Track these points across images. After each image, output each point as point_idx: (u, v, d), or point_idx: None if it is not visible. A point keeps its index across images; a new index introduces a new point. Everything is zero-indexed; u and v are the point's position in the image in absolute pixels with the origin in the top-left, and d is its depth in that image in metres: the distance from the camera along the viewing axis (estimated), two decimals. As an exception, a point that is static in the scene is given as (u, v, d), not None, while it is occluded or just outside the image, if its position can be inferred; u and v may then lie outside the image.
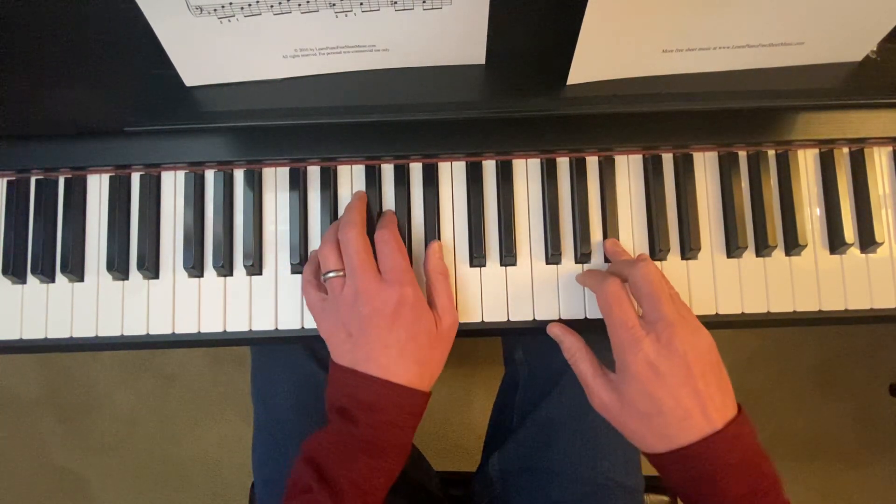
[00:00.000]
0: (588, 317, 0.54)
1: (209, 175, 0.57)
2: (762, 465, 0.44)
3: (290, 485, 0.47)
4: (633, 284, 0.47)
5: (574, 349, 0.50)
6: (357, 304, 0.47)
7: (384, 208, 0.56)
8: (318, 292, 0.51)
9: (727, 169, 0.56)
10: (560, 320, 0.55)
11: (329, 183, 0.56)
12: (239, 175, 0.57)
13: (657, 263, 0.55)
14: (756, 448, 0.44)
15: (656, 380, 0.43)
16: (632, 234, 0.56)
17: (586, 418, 0.63)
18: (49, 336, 0.55)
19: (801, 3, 0.48)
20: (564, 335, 0.51)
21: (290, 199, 0.56)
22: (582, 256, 0.55)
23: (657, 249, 0.55)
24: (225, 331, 0.55)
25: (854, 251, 0.56)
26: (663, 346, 0.43)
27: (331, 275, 0.49)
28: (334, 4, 0.48)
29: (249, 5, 0.47)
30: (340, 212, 0.56)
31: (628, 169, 0.56)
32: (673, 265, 0.55)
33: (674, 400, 0.43)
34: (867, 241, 0.55)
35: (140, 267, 0.55)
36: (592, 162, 0.56)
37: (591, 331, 0.53)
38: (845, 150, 0.57)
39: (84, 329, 0.55)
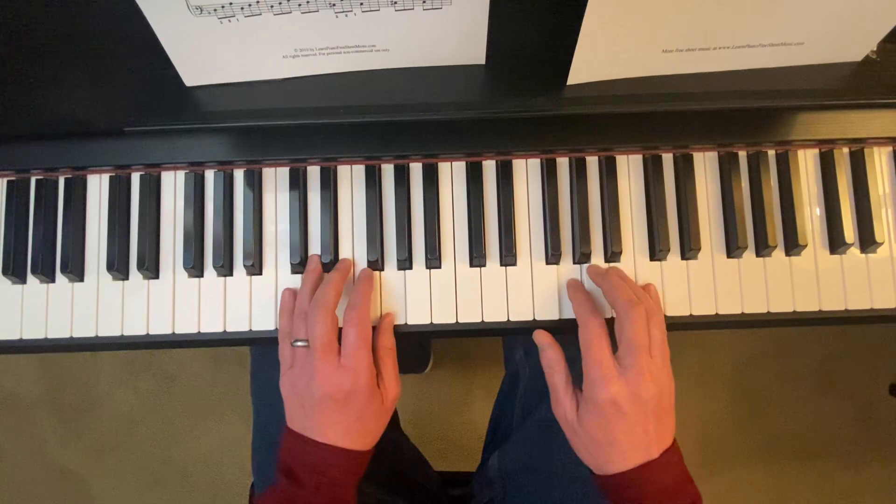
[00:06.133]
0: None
1: (209, 175, 0.57)
2: (687, 487, 0.49)
3: None
4: (620, 325, 0.49)
5: (553, 362, 0.52)
6: (311, 384, 0.49)
7: (384, 208, 0.56)
8: (290, 349, 0.52)
9: (727, 169, 0.56)
10: (560, 320, 0.55)
11: (329, 183, 0.56)
12: (239, 175, 0.57)
13: (657, 263, 0.55)
14: (683, 472, 0.49)
15: (617, 417, 0.47)
16: (632, 234, 0.56)
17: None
18: (49, 336, 0.55)
19: (801, 3, 0.48)
20: (548, 347, 0.52)
21: (290, 199, 0.56)
22: (582, 256, 0.55)
23: (657, 249, 0.55)
24: (225, 331, 0.55)
25: (854, 251, 0.56)
26: (632, 392, 0.47)
27: (299, 343, 0.51)
28: (334, 4, 0.48)
29: (249, 5, 0.47)
30: (341, 212, 0.56)
31: (628, 169, 0.56)
32: (673, 265, 0.55)
33: (626, 436, 0.47)
34: (867, 241, 0.55)
35: (140, 267, 0.55)
36: (592, 162, 0.56)
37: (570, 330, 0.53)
38: (845, 150, 0.57)
39: (84, 329, 0.55)
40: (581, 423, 0.49)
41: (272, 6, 0.48)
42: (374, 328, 0.53)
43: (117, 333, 0.55)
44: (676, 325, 0.54)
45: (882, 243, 0.55)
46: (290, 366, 0.51)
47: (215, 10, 0.47)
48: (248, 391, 0.69)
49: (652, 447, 0.48)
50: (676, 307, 0.55)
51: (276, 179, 0.57)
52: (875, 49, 0.55)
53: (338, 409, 0.49)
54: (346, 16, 0.49)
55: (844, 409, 1.35)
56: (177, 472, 1.37)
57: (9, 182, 0.57)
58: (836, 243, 0.55)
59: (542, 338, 0.53)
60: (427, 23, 0.50)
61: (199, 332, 0.55)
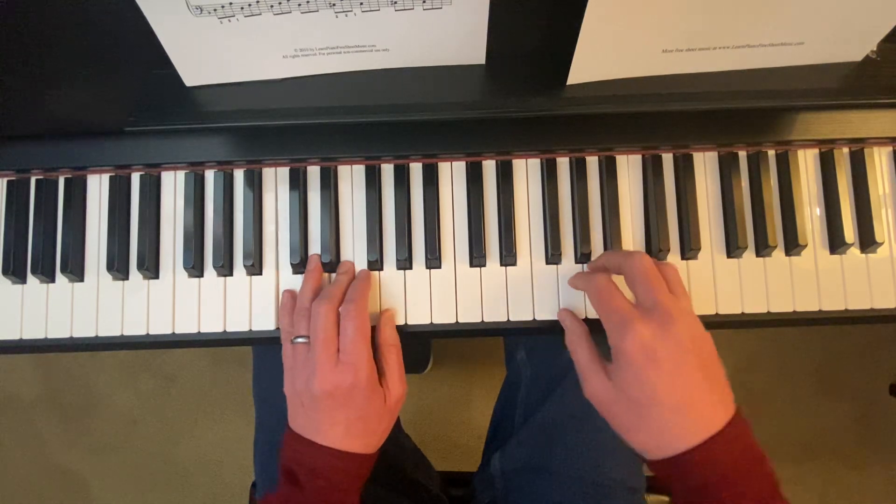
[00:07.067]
0: (588, 316, 0.54)
1: (209, 175, 0.57)
2: (763, 468, 0.42)
3: None
4: (628, 273, 0.46)
5: (576, 335, 0.49)
6: (311, 381, 0.48)
7: (384, 208, 0.56)
8: (291, 348, 0.51)
9: (727, 169, 0.56)
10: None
11: (329, 183, 0.56)
12: (239, 175, 0.57)
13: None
14: (755, 449, 0.42)
15: (651, 365, 0.41)
16: (632, 234, 0.56)
17: (589, 419, 0.63)
18: (49, 336, 0.55)
19: (801, 3, 0.48)
20: (572, 322, 0.50)
21: (290, 199, 0.56)
22: (582, 256, 0.55)
23: (657, 249, 0.55)
24: (225, 331, 0.55)
25: (854, 251, 0.56)
26: (659, 331, 0.41)
27: (299, 340, 0.50)
28: (334, 4, 0.48)
29: (249, 5, 0.47)
30: (341, 212, 0.56)
31: (628, 169, 0.56)
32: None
33: (669, 388, 0.41)
34: (867, 241, 0.55)
35: (140, 267, 0.55)
36: (592, 162, 0.56)
37: (592, 331, 0.52)
38: (845, 150, 0.57)
39: (84, 329, 0.55)
40: (616, 388, 0.43)
41: (272, 6, 0.48)
42: (374, 327, 0.53)
43: (117, 333, 0.55)
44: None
45: (882, 243, 0.55)
46: (292, 365, 0.51)
47: (215, 10, 0.47)
48: (249, 391, 0.69)
49: (705, 409, 0.41)
50: (676, 307, 0.55)
51: (276, 179, 0.57)
52: (875, 49, 0.55)
53: (338, 407, 0.48)
54: (346, 16, 0.49)
55: (844, 409, 1.35)
56: (177, 472, 1.37)
57: (9, 182, 0.57)
58: (836, 243, 0.55)
59: (564, 315, 0.51)
60: (427, 23, 0.50)
61: (199, 332, 0.55)
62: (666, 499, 0.74)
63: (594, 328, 0.53)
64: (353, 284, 0.53)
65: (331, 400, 0.48)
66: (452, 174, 0.57)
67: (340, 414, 0.48)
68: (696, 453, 0.40)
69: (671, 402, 0.41)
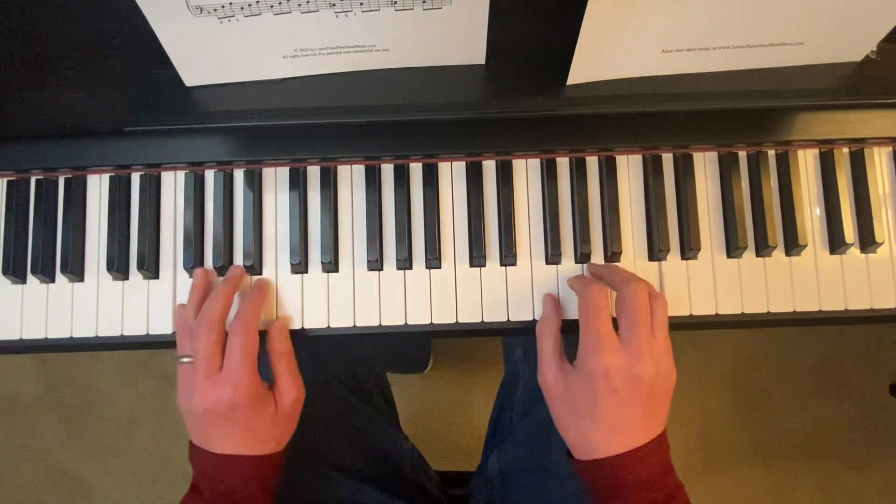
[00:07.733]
0: (573, 318, 0.54)
1: (209, 175, 0.57)
2: (667, 478, 0.46)
3: None
4: (621, 299, 0.48)
5: (548, 324, 0.50)
6: (193, 399, 0.48)
7: (384, 208, 0.56)
8: (179, 366, 0.50)
9: (727, 169, 0.56)
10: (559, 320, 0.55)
11: (329, 183, 0.56)
12: (239, 175, 0.57)
13: (657, 263, 0.55)
14: (665, 464, 0.47)
15: (607, 392, 0.45)
16: (632, 234, 0.56)
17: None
18: (49, 336, 0.55)
19: (801, 3, 0.48)
20: (550, 311, 0.52)
21: (290, 199, 0.56)
22: (582, 256, 0.55)
23: (657, 249, 0.55)
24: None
25: (854, 251, 0.56)
26: (626, 365, 0.45)
27: (185, 360, 0.49)
28: (334, 4, 0.48)
29: (249, 5, 0.47)
30: (340, 212, 0.56)
31: (628, 169, 0.56)
32: (673, 265, 0.55)
33: (612, 414, 0.45)
34: (867, 241, 0.55)
35: (140, 267, 0.55)
36: (592, 162, 0.56)
37: (572, 331, 0.52)
38: (845, 150, 0.57)
39: (84, 329, 0.55)
40: (568, 390, 0.47)
41: (272, 6, 0.48)
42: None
43: (117, 333, 0.55)
44: (676, 325, 0.54)
45: (882, 243, 0.55)
46: (181, 381, 0.50)
47: (215, 10, 0.48)
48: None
49: (637, 434, 0.46)
50: (676, 307, 0.55)
51: (276, 179, 0.57)
52: (875, 49, 0.55)
53: (222, 422, 0.48)
54: (346, 16, 0.49)
55: (844, 409, 1.35)
56: (177, 472, 1.37)
57: (9, 182, 0.57)
58: (836, 243, 0.55)
59: (548, 300, 0.53)
60: (427, 23, 0.50)
61: (199, 332, 0.55)
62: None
63: (572, 330, 0.53)
64: (244, 297, 0.52)
65: (213, 416, 0.48)
66: (452, 174, 0.57)
67: (227, 428, 0.48)
68: (610, 460, 0.45)
69: (607, 424, 0.45)
